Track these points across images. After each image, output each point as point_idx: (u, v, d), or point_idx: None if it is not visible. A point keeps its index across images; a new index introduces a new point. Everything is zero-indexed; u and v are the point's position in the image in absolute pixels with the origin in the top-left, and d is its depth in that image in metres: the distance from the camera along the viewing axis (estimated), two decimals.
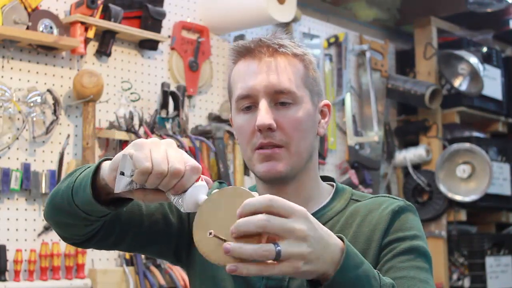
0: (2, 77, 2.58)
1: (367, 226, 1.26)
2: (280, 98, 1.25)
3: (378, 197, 1.33)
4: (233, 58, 1.32)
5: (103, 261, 2.80)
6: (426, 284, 1.18)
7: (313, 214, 1.25)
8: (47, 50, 2.68)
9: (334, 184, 1.37)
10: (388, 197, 1.32)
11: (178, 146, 1.08)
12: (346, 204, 1.31)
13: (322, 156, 3.72)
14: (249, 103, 1.27)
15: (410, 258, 1.21)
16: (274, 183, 1.28)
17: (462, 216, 4.13)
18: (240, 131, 1.29)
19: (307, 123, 1.27)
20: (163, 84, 3.05)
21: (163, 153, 1.03)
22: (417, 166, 4.20)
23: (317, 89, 1.32)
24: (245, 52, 1.29)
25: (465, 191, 4.06)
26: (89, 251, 2.75)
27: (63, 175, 2.69)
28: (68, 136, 2.74)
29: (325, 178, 1.39)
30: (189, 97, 3.19)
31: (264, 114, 1.23)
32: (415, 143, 4.25)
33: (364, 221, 1.26)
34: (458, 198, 4.03)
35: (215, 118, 3.25)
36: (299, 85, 1.27)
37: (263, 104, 1.24)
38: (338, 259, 0.99)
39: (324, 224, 1.23)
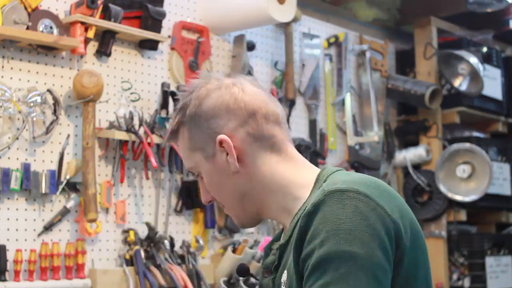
0: (2, 77, 2.58)
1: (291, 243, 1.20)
2: (194, 174, 1.37)
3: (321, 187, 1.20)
4: None
5: (103, 261, 2.80)
6: None
7: (290, 225, 1.25)
8: (47, 50, 2.68)
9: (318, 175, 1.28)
10: (319, 188, 1.19)
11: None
12: (319, 197, 1.15)
13: (322, 156, 3.72)
14: None
15: (317, 277, 1.08)
16: (250, 227, 1.40)
17: (462, 216, 4.13)
18: None
19: (214, 180, 1.32)
20: (163, 84, 3.05)
21: None
22: (417, 166, 4.20)
23: (205, 138, 1.29)
24: None
25: (465, 191, 4.06)
26: (89, 251, 2.75)
27: (63, 175, 2.69)
28: (68, 136, 2.74)
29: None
30: None
31: (201, 194, 1.38)
32: (415, 143, 4.25)
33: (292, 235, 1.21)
34: (458, 198, 4.03)
35: None
36: (189, 156, 1.33)
37: (199, 183, 1.37)
38: None
39: (291, 234, 1.23)
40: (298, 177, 1.28)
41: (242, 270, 1.42)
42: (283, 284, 1.23)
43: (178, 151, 1.38)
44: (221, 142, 1.28)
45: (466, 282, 4.07)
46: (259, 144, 1.28)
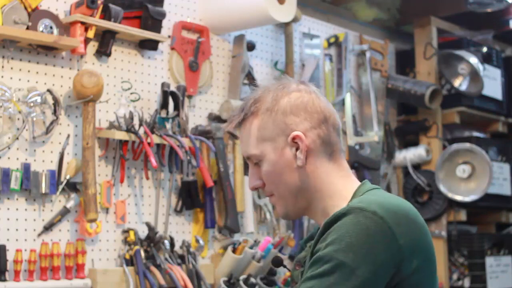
0: (2, 77, 2.58)
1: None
2: (252, 161, 1.47)
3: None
4: None
5: (103, 261, 2.80)
6: None
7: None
8: (47, 50, 2.68)
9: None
10: (346, 206, 1.33)
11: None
12: (344, 210, 1.32)
13: None
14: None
15: (311, 270, 1.25)
16: (290, 219, 1.51)
17: (462, 216, 4.13)
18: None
19: (277, 171, 1.42)
20: (163, 84, 3.05)
21: None
22: (417, 166, 4.20)
23: (278, 130, 1.42)
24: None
25: (465, 191, 4.06)
26: (89, 251, 2.75)
27: (63, 175, 2.69)
28: (68, 136, 2.74)
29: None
30: (189, 97, 3.19)
31: (249, 179, 1.49)
32: (415, 143, 4.25)
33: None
34: (458, 198, 4.03)
35: (215, 118, 3.25)
36: (256, 145, 1.44)
37: (250, 169, 1.49)
38: None
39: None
40: (343, 189, 1.42)
41: (277, 261, 1.56)
42: None
43: (240, 137, 1.50)
44: (294, 138, 1.41)
45: (466, 282, 4.07)
46: (324, 148, 1.42)
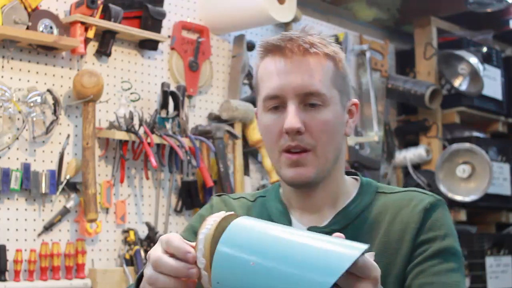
0: (2, 77, 2.58)
1: (398, 224, 1.25)
2: (309, 100, 1.23)
3: (406, 191, 1.31)
4: (261, 54, 1.29)
5: (103, 261, 2.80)
6: (456, 287, 1.21)
7: (341, 211, 1.29)
8: (47, 50, 2.68)
9: (358, 178, 1.36)
10: (417, 191, 1.30)
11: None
12: (373, 198, 1.30)
13: None
14: (277, 103, 1.24)
15: (440, 261, 1.22)
16: (301, 187, 1.28)
17: (462, 216, 4.13)
18: (267, 131, 1.27)
19: (335, 125, 1.26)
20: (163, 84, 3.05)
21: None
22: (417, 166, 4.20)
23: (346, 88, 1.30)
24: (274, 49, 1.25)
25: (465, 191, 4.06)
26: (89, 251, 2.75)
27: (63, 175, 2.69)
28: (68, 136, 2.74)
29: (348, 173, 1.38)
30: (189, 97, 3.19)
31: (293, 118, 1.21)
32: (415, 143, 4.25)
33: (395, 219, 1.26)
34: (458, 198, 4.03)
35: (215, 118, 3.25)
36: (329, 86, 1.24)
37: (292, 107, 1.22)
38: None
39: (353, 220, 1.27)
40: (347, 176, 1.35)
41: None
42: None
43: (314, 67, 1.24)
44: (355, 104, 1.32)
45: (466, 282, 4.07)
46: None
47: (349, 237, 0.98)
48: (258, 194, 1.40)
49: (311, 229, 1.27)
